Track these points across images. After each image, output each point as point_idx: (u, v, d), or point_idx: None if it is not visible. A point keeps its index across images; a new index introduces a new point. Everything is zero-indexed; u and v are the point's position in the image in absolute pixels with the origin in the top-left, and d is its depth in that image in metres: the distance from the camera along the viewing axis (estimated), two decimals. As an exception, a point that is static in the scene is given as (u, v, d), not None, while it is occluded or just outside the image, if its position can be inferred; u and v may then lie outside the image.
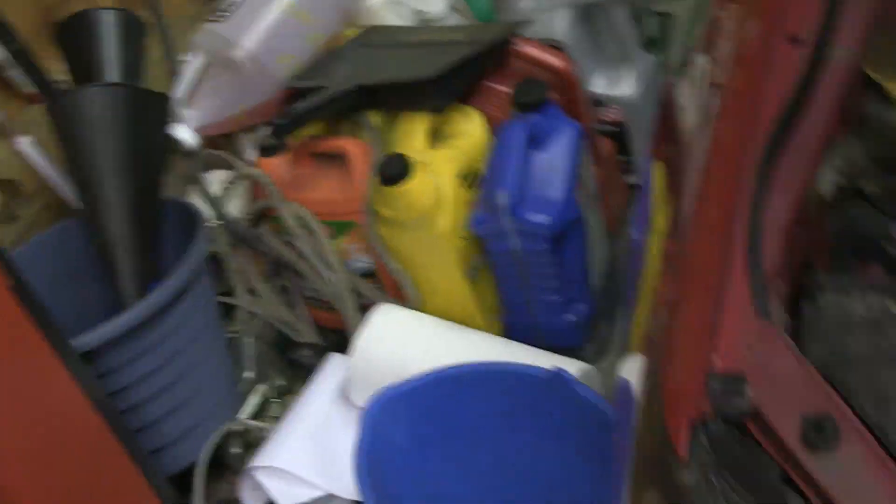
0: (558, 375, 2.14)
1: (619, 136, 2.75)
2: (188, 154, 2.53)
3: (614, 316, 2.62)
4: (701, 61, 1.71)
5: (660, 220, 1.60)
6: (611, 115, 2.74)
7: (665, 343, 1.34)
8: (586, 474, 2.18)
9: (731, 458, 1.21)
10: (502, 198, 2.24)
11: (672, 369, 1.31)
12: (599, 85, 2.71)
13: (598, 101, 2.71)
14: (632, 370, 1.46)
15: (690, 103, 1.67)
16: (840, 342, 1.31)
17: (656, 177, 1.70)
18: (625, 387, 1.50)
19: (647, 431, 1.34)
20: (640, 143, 2.77)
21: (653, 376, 1.35)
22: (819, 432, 1.17)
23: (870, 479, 1.15)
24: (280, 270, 2.62)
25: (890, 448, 1.18)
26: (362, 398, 2.24)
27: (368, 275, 2.52)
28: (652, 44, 2.89)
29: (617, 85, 2.72)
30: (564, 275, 2.44)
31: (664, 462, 1.25)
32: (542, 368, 2.15)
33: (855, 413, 1.20)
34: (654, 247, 1.58)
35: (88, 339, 2.05)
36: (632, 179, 2.81)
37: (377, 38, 2.68)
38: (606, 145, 2.68)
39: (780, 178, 1.37)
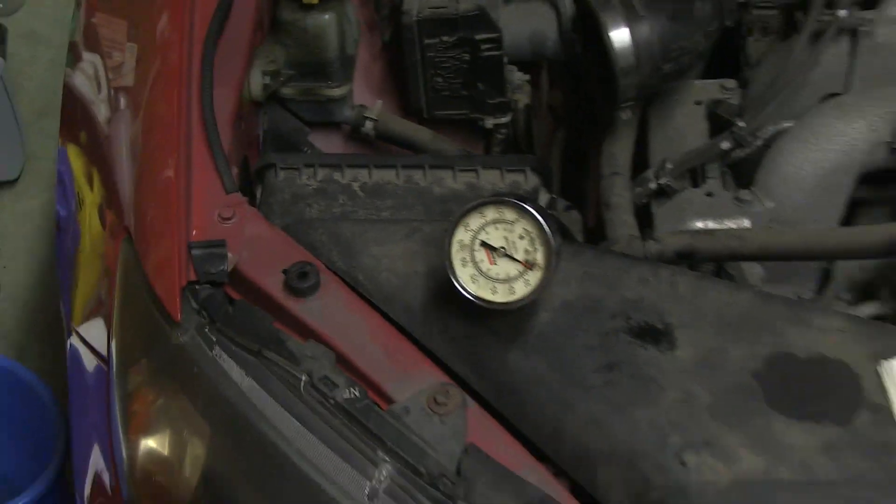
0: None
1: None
2: None
3: None
4: (91, 58, 1.67)
5: (87, 193, 1.53)
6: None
7: (140, 234, 1.26)
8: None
9: (222, 314, 1.17)
10: None
11: (154, 250, 1.23)
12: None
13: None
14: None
15: (93, 88, 1.62)
16: (298, 209, 1.32)
17: (74, 159, 1.63)
18: (73, 351, 1.41)
19: (131, 315, 1.24)
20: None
21: (130, 265, 1.25)
22: (303, 278, 1.17)
23: (348, 315, 1.17)
24: None
25: (359, 289, 1.21)
26: None
27: None
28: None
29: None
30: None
31: (155, 331, 1.18)
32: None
33: (325, 265, 1.21)
34: (88, 215, 1.51)
35: None
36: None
37: None
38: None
39: (221, 75, 1.35)
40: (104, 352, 1.30)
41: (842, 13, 1.45)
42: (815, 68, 1.47)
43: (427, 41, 1.53)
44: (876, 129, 1.39)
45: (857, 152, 1.39)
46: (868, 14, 1.48)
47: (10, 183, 2.69)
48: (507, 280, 1.10)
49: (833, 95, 1.48)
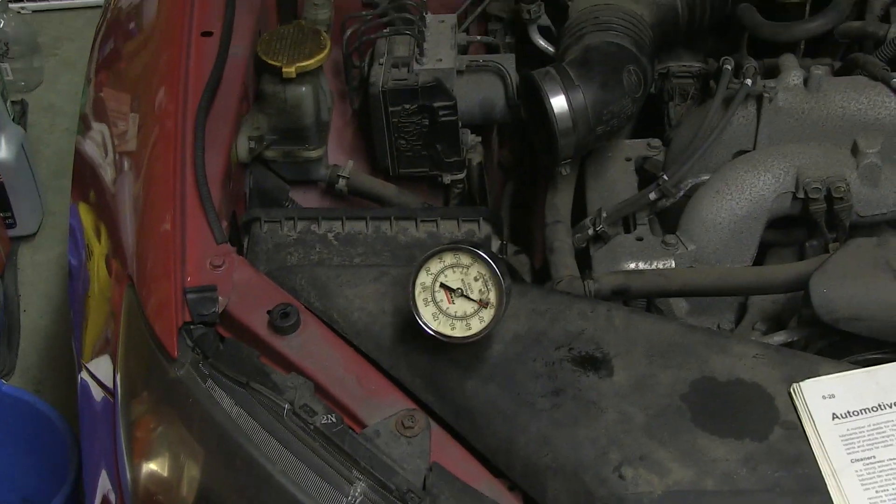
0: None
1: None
2: None
3: (13, 341, 2.37)
4: (99, 127, 1.65)
5: (95, 245, 1.51)
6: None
7: (141, 281, 1.23)
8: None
9: (214, 350, 1.14)
10: None
11: (154, 294, 1.20)
12: None
13: None
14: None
15: (101, 153, 1.60)
16: (280, 256, 1.30)
17: (84, 215, 1.61)
18: (83, 385, 1.37)
19: (134, 353, 1.21)
20: (20, 198, 2.54)
21: (132, 308, 1.22)
22: (285, 318, 1.15)
23: (325, 350, 1.15)
24: None
25: (335, 327, 1.19)
26: None
27: None
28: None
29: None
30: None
31: (154, 366, 1.15)
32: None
33: (305, 306, 1.19)
34: (96, 264, 1.49)
35: None
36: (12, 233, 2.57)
37: None
38: None
39: (211, 140, 1.33)
40: (110, 385, 1.26)
41: (748, 82, 1.46)
42: (727, 129, 1.47)
43: (392, 108, 1.52)
44: (780, 180, 1.40)
45: (766, 201, 1.40)
46: (770, 82, 1.49)
47: (30, 236, 2.66)
48: (464, 317, 1.08)
49: (743, 152, 1.49)
